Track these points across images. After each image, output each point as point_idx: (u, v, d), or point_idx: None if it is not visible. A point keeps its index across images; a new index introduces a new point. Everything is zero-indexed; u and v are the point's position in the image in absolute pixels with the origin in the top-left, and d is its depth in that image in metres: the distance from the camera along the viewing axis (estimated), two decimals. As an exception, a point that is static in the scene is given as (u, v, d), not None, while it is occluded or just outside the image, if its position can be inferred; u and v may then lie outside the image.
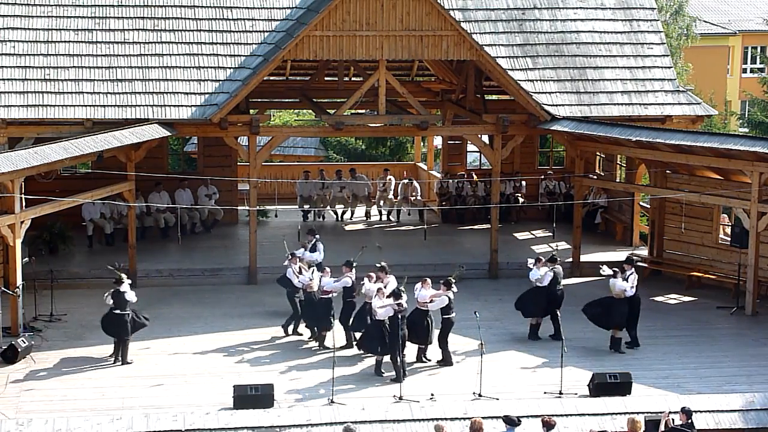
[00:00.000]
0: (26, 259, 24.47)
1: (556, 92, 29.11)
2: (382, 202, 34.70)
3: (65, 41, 28.21)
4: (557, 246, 28.61)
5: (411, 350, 22.72)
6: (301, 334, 24.19)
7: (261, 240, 28.86)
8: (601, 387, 20.72)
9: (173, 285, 27.75)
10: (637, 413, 19.25)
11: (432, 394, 20.56)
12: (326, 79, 35.54)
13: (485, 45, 28.44)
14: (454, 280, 22.75)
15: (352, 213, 34.81)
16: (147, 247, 29.63)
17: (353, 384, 21.35)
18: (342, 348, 23.07)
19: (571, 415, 20.04)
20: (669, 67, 30.33)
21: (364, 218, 34.62)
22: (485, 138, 31.30)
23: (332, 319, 23.29)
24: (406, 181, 34.56)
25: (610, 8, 31.10)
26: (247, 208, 28.48)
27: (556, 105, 28.74)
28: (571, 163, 31.46)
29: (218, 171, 32.30)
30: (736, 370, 22.31)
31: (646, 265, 28.98)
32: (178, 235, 28.86)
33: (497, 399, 20.38)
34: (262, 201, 31.73)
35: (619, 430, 19.37)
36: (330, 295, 23.40)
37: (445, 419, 19.44)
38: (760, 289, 26.68)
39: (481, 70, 29.28)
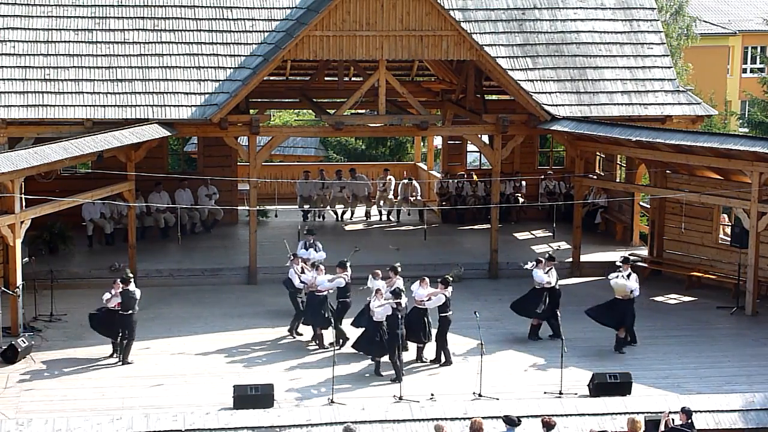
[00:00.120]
0: (26, 259, 24.48)
1: (556, 92, 29.11)
2: (382, 202, 34.70)
3: (65, 41, 28.21)
4: (558, 246, 28.63)
5: (411, 349, 22.77)
6: (302, 335, 24.17)
7: (261, 240, 28.87)
8: (601, 387, 20.72)
9: (173, 285, 27.75)
10: (637, 413, 19.25)
11: (432, 394, 20.56)
12: (326, 79, 35.54)
13: (485, 45, 28.44)
14: (451, 279, 22.77)
15: (352, 213, 34.81)
16: (147, 247, 29.63)
17: (353, 384, 21.36)
18: (332, 346, 23.14)
19: (571, 415, 20.04)
20: (669, 67, 30.33)
21: (364, 218, 34.62)
22: (485, 138, 31.31)
23: (329, 317, 23.28)
24: (406, 181, 34.56)
25: (610, 8, 31.10)
26: (247, 208, 28.49)
27: (556, 105, 28.74)
28: (571, 163, 31.46)
29: (218, 171, 32.30)
30: (736, 370, 22.31)
31: (646, 265, 28.97)
32: (178, 235, 28.86)
33: (497, 399, 20.38)
34: (262, 201, 31.73)
35: (619, 430, 19.36)
36: (324, 293, 23.41)
37: (445, 419, 19.44)
38: (760, 289, 26.68)
39: (481, 70, 29.28)
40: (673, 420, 18.29)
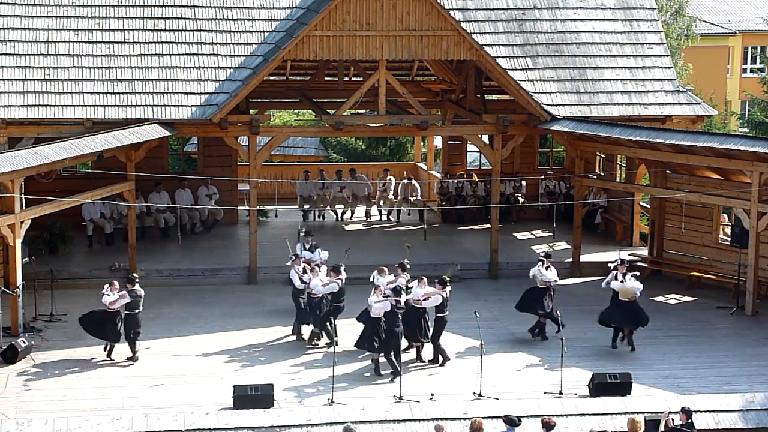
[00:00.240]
0: (26, 259, 24.48)
1: (556, 92, 29.11)
2: (382, 202, 34.70)
3: (65, 41, 28.21)
4: (552, 245, 28.68)
5: (411, 349, 22.77)
6: (302, 335, 24.17)
7: (261, 240, 28.87)
8: (601, 387, 20.72)
9: (173, 285, 27.75)
10: (637, 413, 19.25)
11: (432, 394, 20.56)
12: (326, 79, 35.54)
13: (485, 45, 28.44)
14: (448, 279, 22.79)
15: (352, 213, 34.81)
16: (147, 247, 29.63)
17: (353, 384, 21.36)
18: (326, 346, 23.22)
19: (571, 415, 20.03)
20: (669, 67, 30.33)
21: (364, 218, 34.62)
22: (485, 138, 31.31)
23: (324, 316, 23.30)
24: (406, 181, 34.56)
25: (610, 8, 31.10)
26: (247, 208, 28.49)
27: (556, 105, 28.74)
28: (571, 163, 31.46)
29: (218, 171, 32.30)
30: (736, 370, 22.31)
31: (646, 265, 28.97)
32: (178, 235, 28.88)
33: (497, 399, 20.38)
34: (262, 201, 31.73)
35: (619, 430, 19.36)
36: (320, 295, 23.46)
37: (445, 419, 19.43)
38: (760, 289, 26.69)
39: (481, 70, 29.28)
40: (673, 420, 18.29)
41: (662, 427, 18.19)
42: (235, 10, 29.63)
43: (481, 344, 20.91)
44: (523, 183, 34.41)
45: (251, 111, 29.99)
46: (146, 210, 30.92)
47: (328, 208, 34.26)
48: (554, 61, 29.78)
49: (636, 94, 29.47)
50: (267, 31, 29.23)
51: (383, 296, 21.92)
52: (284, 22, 29.30)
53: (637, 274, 23.82)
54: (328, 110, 30.90)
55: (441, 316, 22.55)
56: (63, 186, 27.29)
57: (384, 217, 34.61)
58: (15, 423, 19.05)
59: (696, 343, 24.15)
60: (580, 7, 30.97)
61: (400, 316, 21.74)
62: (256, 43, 28.96)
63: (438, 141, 41.85)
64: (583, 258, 29.45)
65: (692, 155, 26.56)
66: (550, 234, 31.39)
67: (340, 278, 23.52)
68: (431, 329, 22.54)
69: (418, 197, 34.59)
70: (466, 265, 28.85)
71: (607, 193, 32.78)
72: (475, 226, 33.33)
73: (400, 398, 20.36)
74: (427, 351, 22.77)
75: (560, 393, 20.78)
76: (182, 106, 27.53)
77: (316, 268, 23.91)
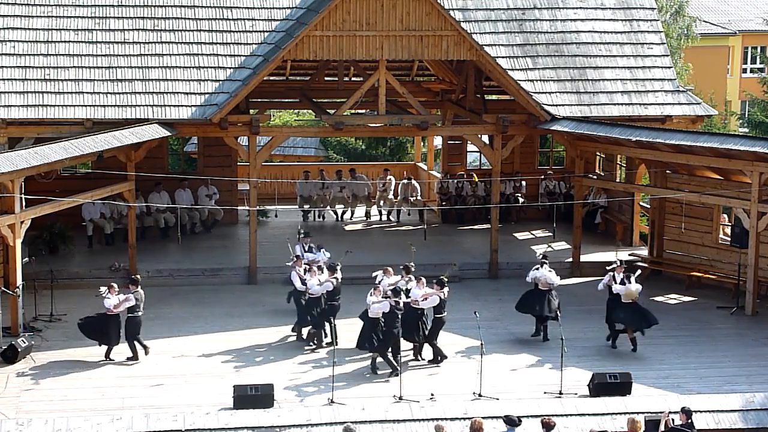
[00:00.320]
0: (26, 259, 24.47)
1: (556, 92, 29.11)
2: (382, 202, 34.70)
3: (65, 41, 28.21)
4: (549, 245, 28.69)
5: (409, 347, 22.77)
6: (303, 335, 24.17)
7: (261, 240, 28.88)
8: (601, 387, 20.72)
9: (173, 285, 27.75)
10: (637, 413, 19.25)
11: (432, 394, 20.56)
12: (326, 79, 35.54)
13: (485, 45, 28.44)
14: (446, 279, 22.79)
15: (352, 213, 34.81)
16: (147, 247, 29.63)
17: (353, 384, 21.36)
18: (320, 347, 23.22)
19: (571, 415, 20.03)
20: (669, 67, 30.33)
21: (364, 218, 34.62)
22: (485, 138, 31.31)
23: (320, 316, 23.31)
24: (406, 181, 34.56)
25: (610, 8, 31.10)
26: (247, 208, 28.49)
27: (556, 105, 28.74)
28: (571, 163, 31.45)
29: (218, 171, 32.30)
30: (736, 370, 22.31)
31: (646, 265, 28.97)
32: (178, 235, 28.88)
33: (497, 399, 20.38)
34: (262, 201, 31.73)
35: (619, 430, 19.36)
36: (317, 295, 23.46)
37: (445, 419, 19.43)
38: (760, 289, 26.69)
39: (481, 70, 29.28)
40: (673, 420, 18.29)
41: (662, 427, 18.18)
42: (235, 10, 29.64)
43: (481, 344, 20.90)
44: (523, 183, 34.41)
45: (251, 111, 29.98)
46: (146, 210, 30.92)
47: (328, 208, 34.26)
48: (554, 61, 29.78)
49: (636, 94, 29.47)
50: (267, 31, 29.24)
51: (383, 296, 21.91)
52: (284, 22, 29.30)
53: (639, 273, 23.81)
54: (328, 110, 30.90)
55: (439, 316, 22.55)
56: (63, 186, 27.32)
57: (384, 217, 34.61)
58: (15, 423, 19.05)
59: (696, 343, 24.15)
60: (580, 7, 30.97)
61: (399, 316, 21.73)
62: (256, 43, 28.96)
63: (438, 141, 41.85)
64: (583, 258, 29.45)
65: (692, 155, 26.56)
66: (550, 234, 31.39)
67: (335, 277, 23.52)
68: (429, 330, 22.56)
69: (418, 197, 34.59)
70: (466, 265, 28.86)
71: (607, 193, 32.78)
72: (475, 226, 33.33)
73: (400, 398, 20.36)
74: (427, 351, 22.76)
75: (560, 393, 20.78)
76: (182, 106, 27.53)
77: (315, 269, 23.87)
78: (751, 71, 62.19)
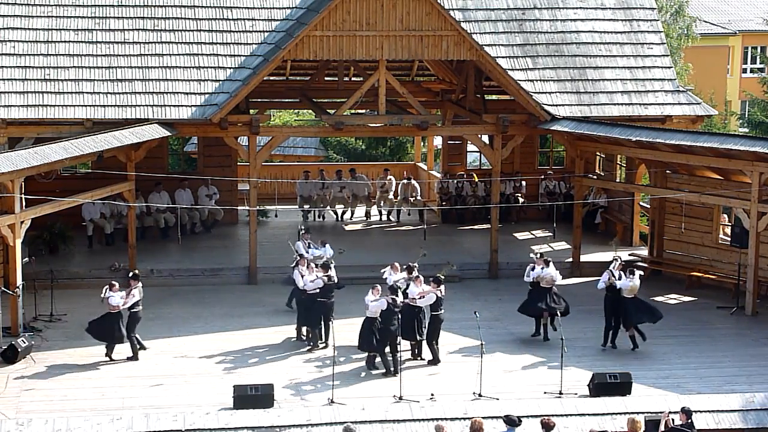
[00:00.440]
0: (26, 259, 24.47)
1: (556, 92, 29.11)
2: (382, 202, 34.70)
3: (65, 41, 28.21)
4: (547, 245, 28.70)
5: (408, 346, 22.78)
6: (303, 335, 24.17)
7: (261, 240, 28.88)
8: (601, 387, 20.72)
9: (173, 285, 27.75)
10: (637, 413, 19.24)
11: (432, 394, 20.56)
12: (326, 79, 35.54)
13: (485, 45, 28.45)
14: (443, 277, 22.80)
15: (352, 213, 34.81)
16: (147, 247, 29.63)
17: (353, 384, 21.36)
18: (315, 347, 23.23)
19: (571, 415, 20.03)
20: (669, 67, 30.34)
21: (364, 218, 34.62)
22: (485, 138, 31.31)
23: (314, 315, 23.31)
24: (406, 181, 34.56)
25: (610, 8, 31.10)
26: (247, 208, 28.49)
27: (556, 105, 28.74)
28: (571, 163, 31.45)
29: (218, 171, 32.30)
30: (736, 370, 22.31)
31: (646, 265, 28.98)
32: (178, 235, 28.89)
33: (497, 399, 20.38)
34: (262, 201, 31.72)
35: (619, 430, 19.36)
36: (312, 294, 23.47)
37: (445, 419, 19.43)
38: (760, 289, 26.69)
39: (481, 70, 29.28)
40: (673, 420, 18.28)
41: (662, 427, 18.18)
42: (235, 10, 29.64)
43: (481, 344, 20.91)
44: (523, 183, 34.41)
45: (251, 111, 29.99)
46: (146, 210, 30.92)
47: (328, 208, 34.26)
48: (554, 61, 29.79)
49: (636, 94, 29.47)
50: (267, 31, 29.24)
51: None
52: (284, 22, 29.30)
53: (642, 273, 23.82)
54: (328, 110, 30.90)
55: (436, 314, 22.56)
56: (63, 186, 27.28)
57: (384, 217, 34.61)
58: (15, 423, 19.04)
59: (696, 343, 24.15)
60: (580, 7, 30.97)
61: (398, 314, 21.73)
62: (256, 43, 28.96)
63: (438, 141, 41.85)
64: (583, 258, 29.46)
65: (692, 155, 26.56)
66: (550, 234, 31.39)
67: (327, 275, 23.50)
68: (427, 328, 22.57)
69: (418, 197, 34.59)
70: (466, 265, 28.84)
71: (607, 193, 32.78)
72: (475, 226, 33.34)
73: (400, 398, 20.36)
74: (427, 351, 22.76)
75: (560, 393, 20.78)
76: (182, 106, 27.53)
77: (312, 265, 23.87)
78: (751, 71, 62.17)
